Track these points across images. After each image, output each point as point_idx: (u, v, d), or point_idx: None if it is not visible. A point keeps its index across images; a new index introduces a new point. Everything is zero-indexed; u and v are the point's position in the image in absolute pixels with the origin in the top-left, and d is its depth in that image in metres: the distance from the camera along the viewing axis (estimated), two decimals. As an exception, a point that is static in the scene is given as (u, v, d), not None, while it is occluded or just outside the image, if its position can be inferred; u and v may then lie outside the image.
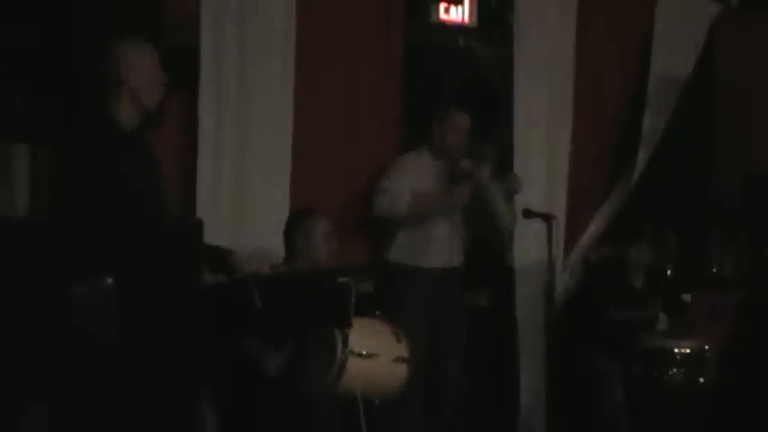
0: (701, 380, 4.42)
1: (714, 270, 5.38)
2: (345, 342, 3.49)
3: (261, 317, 3.51)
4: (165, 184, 3.19)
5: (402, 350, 3.67)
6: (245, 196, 4.03)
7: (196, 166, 3.88)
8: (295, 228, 3.88)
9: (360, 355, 3.52)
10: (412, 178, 4.19)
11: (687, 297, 4.91)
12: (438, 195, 4.17)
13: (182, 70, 3.51)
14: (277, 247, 3.89)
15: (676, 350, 4.46)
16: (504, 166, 4.63)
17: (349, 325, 3.49)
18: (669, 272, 5.06)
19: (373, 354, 3.57)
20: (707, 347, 4.46)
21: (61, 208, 2.94)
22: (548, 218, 4.32)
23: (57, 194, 3.00)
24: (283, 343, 3.57)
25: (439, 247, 4.21)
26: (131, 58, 2.96)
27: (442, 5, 4.68)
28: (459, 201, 4.15)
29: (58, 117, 3.23)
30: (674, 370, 4.46)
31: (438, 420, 4.25)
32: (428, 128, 4.32)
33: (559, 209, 4.80)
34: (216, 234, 3.55)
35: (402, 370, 3.65)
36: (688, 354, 4.46)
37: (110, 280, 2.99)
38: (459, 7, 4.74)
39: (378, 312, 3.77)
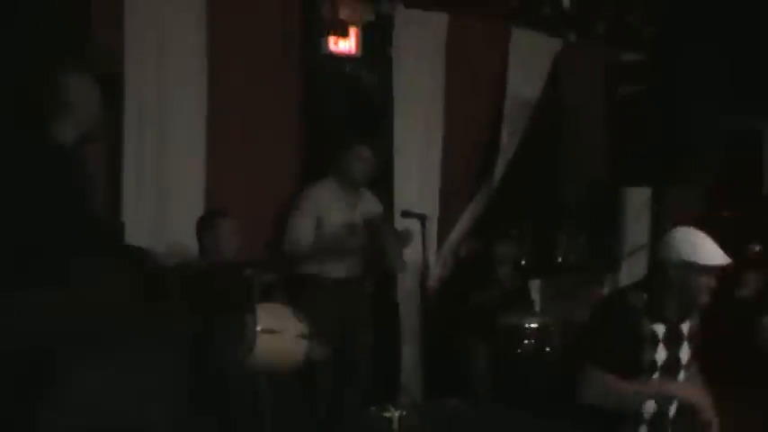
0: (548, 349, 4.71)
1: (560, 260, 5.59)
2: (255, 322, 3.65)
3: (179, 307, 3.67)
4: (98, 192, 3.42)
5: (303, 328, 3.84)
6: (164, 202, 4.22)
7: (122, 174, 4.07)
8: (203, 228, 4.04)
9: (268, 331, 3.68)
10: (320, 210, 4.42)
11: (536, 283, 5.14)
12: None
13: (109, 93, 3.54)
14: (193, 243, 4.08)
15: (527, 325, 4.74)
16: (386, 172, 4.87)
17: (254, 310, 3.65)
18: (523, 262, 5.31)
19: (278, 330, 3.72)
20: (552, 322, 4.76)
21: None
22: (422, 218, 4.51)
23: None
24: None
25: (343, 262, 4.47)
26: (80, 89, 3.14)
27: (332, 39, 4.82)
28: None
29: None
30: (527, 341, 4.71)
31: (351, 390, 4.51)
32: (334, 157, 4.52)
33: (432, 210, 5.04)
34: (138, 233, 3.81)
35: (303, 345, 3.81)
36: (536, 328, 4.75)
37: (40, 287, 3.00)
38: (347, 41, 4.87)
39: (281, 298, 3.99)
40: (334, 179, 4.53)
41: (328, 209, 4.45)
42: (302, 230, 4.38)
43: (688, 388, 3.06)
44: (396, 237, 4.53)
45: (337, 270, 4.46)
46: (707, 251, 2.98)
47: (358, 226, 4.49)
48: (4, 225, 2.88)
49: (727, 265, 2.97)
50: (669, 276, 3.00)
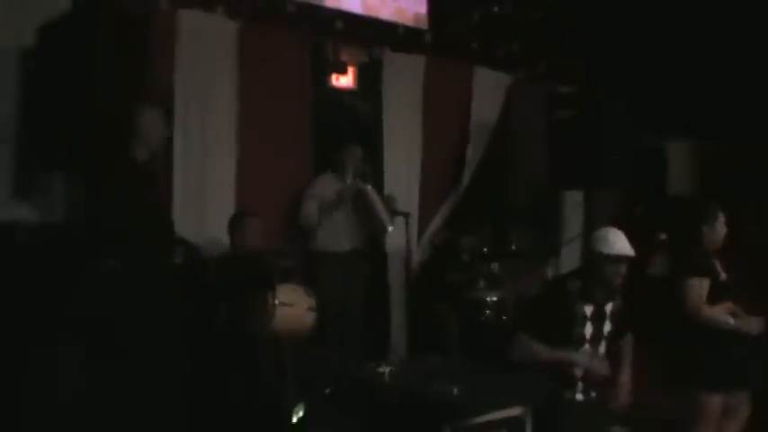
0: (504, 317, 4.84)
1: (513, 247, 5.64)
2: (275, 297, 3.85)
3: (216, 287, 3.85)
4: (164, 195, 3.69)
5: (312, 302, 4.03)
6: (204, 203, 4.39)
7: (172, 183, 4.27)
8: (233, 226, 4.23)
9: (284, 304, 3.87)
10: (323, 195, 4.66)
11: (495, 265, 5.19)
12: (332, 201, 4.62)
13: (167, 123, 3.64)
14: (225, 237, 4.25)
15: (488, 299, 4.89)
16: (378, 179, 5.06)
17: (274, 288, 3.83)
18: (485, 249, 5.36)
19: (292, 304, 3.90)
20: (507, 296, 4.89)
21: (93, 212, 3.24)
22: (406, 215, 4.72)
23: (90, 203, 3.29)
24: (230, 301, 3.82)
25: (345, 237, 4.66)
26: (152, 120, 3.37)
27: (334, 76, 5.06)
28: (343, 200, 4.63)
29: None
30: (488, 312, 4.83)
31: (345, 347, 4.67)
32: (332, 156, 4.74)
33: (414, 209, 5.28)
34: (185, 228, 3.94)
35: (312, 316, 4.00)
36: (496, 301, 4.90)
37: (114, 261, 3.18)
38: (346, 77, 5.11)
39: (296, 279, 4.14)
40: (334, 174, 4.79)
41: (327, 197, 4.69)
42: (310, 209, 4.66)
43: (590, 358, 3.23)
44: (379, 197, 4.70)
45: (340, 245, 4.67)
46: (618, 245, 3.21)
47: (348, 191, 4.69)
48: (96, 216, 3.08)
49: (634, 256, 3.16)
50: (593, 265, 3.24)
